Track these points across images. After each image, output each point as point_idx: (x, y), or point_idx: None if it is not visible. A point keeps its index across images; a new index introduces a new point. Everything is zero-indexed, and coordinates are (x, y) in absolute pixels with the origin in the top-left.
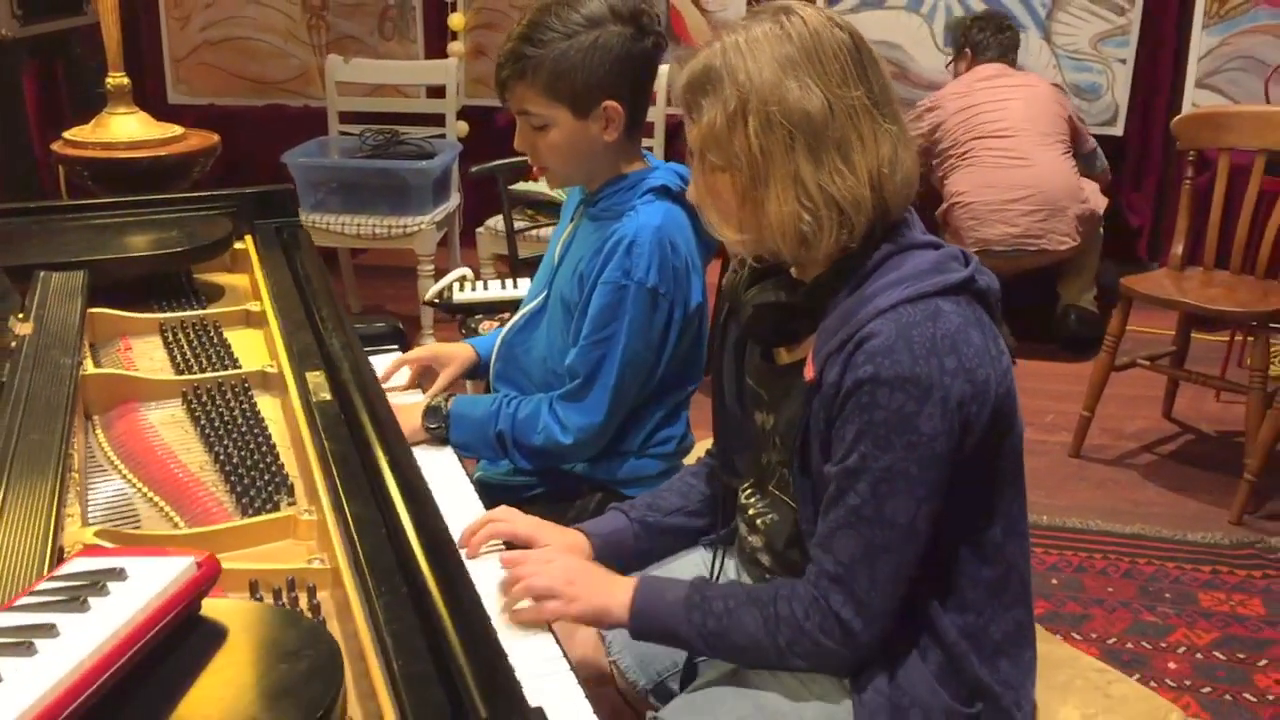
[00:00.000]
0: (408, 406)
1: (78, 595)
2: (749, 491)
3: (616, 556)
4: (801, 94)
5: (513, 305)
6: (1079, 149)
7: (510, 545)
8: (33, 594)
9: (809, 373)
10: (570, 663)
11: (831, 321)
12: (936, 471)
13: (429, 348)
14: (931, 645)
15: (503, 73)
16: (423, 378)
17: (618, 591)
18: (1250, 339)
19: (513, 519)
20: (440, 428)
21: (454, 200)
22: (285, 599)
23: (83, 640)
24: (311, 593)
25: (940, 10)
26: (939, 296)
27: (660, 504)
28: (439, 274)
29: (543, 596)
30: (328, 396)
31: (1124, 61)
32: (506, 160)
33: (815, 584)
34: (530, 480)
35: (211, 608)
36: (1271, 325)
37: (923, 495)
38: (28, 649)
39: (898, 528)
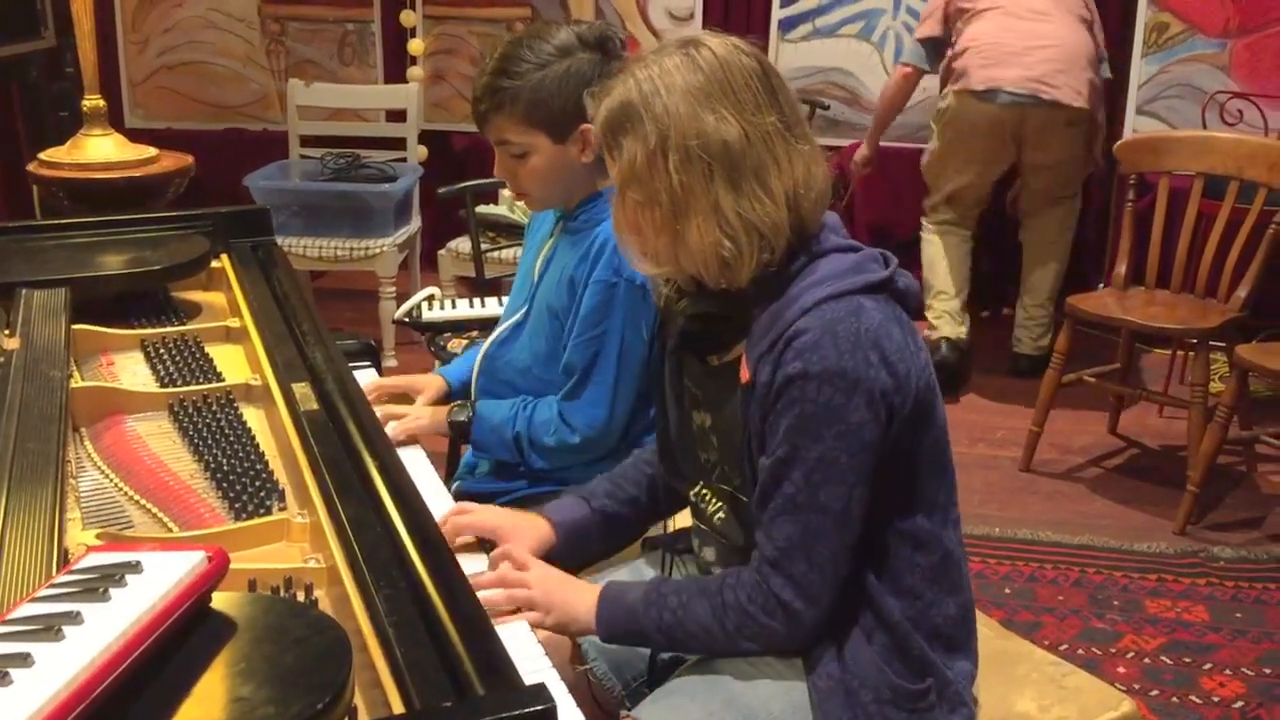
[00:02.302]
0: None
1: (98, 586)
2: (700, 491)
3: (579, 546)
4: (718, 125)
5: (480, 324)
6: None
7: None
8: (53, 586)
9: (744, 375)
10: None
11: (760, 324)
12: (865, 458)
13: (405, 377)
14: (876, 628)
15: (481, 106)
16: (398, 402)
17: (585, 599)
18: (1191, 355)
19: (475, 512)
20: (465, 421)
21: (415, 223)
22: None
23: (107, 627)
24: (308, 590)
25: (891, 38)
26: (860, 294)
27: (618, 492)
28: (400, 296)
29: (522, 604)
30: (315, 406)
31: None
32: (475, 181)
33: (758, 569)
34: (508, 486)
35: (221, 600)
36: (1211, 342)
37: (853, 481)
38: (56, 634)
39: (832, 513)
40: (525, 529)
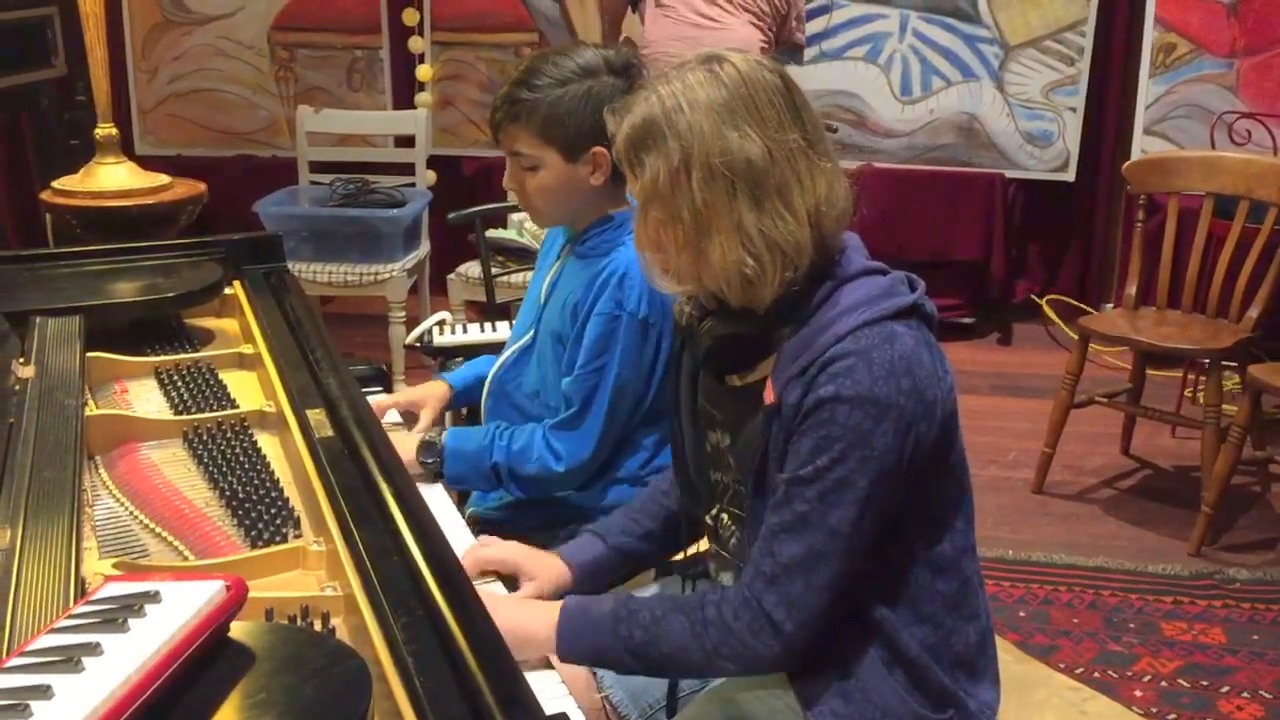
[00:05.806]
0: (399, 439)
1: (117, 617)
2: (717, 514)
3: (595, 585)
4: (742, 142)
5: (492, 348)
6: (781, 36)
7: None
8: (72, 617)
9: (769, 396)
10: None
11: (791, 348)
12: (882, 486)
13: (405, 393)
14: (895, 661)
15: (497, 114)
16: (404, 420)
17: (542, 616)
18: (1203, 375)
19: (497, 548)
20: (435, 463)
21: (424, 248)
22: (301, 625)
23: (126, 658)
24: (325, 619)
25: (897, 61)
26: (893, 320)
27: (633, 527)
28: (410, 321)
29: None
30: (330, 433)
31: (1074, 110)
32: (485, 206)
33: (749, 585)
34: (521, 514)
35: (239, 629)
36: (1224, 362)
37: (866, 507)
38: (75, 666)
39: (840, 536)
40: (543, 569)
